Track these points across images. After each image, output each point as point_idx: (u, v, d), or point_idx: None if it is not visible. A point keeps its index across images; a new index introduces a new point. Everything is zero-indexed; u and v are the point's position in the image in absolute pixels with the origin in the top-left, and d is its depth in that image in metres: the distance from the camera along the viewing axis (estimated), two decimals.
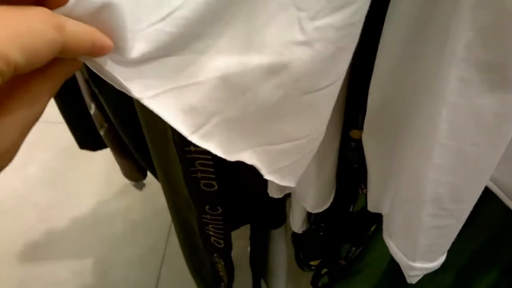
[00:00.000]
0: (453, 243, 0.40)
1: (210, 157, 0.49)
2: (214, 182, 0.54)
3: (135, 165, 0.83)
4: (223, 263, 0.72)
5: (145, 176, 0.88)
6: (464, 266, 0.56)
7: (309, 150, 0.33)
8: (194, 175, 0.52)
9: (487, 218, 0.48)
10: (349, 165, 0.46)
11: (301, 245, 0.63)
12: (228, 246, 0.67)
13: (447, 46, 0.28)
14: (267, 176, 0.31)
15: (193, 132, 0.26)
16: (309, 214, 0.59)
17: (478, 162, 0.30)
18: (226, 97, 0.26)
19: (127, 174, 0.87)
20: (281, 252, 0.77)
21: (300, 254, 0.64)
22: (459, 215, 0.33)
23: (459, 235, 0.42)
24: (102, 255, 1.21)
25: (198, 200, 0.57)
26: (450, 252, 0.42)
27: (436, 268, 0.38)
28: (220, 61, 0.24)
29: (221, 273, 0.74)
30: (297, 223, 0.59)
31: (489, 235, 0.50)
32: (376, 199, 0.44)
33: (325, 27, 0.24)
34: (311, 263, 0.64)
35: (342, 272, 0.61)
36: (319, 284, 0.66)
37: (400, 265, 0.38)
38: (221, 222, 0.63)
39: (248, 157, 0.29)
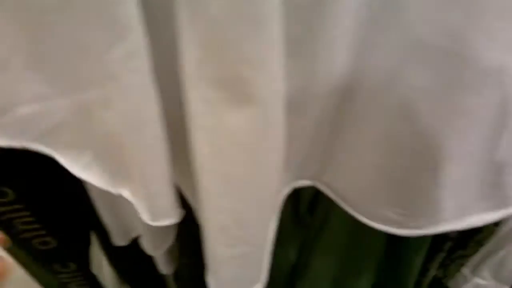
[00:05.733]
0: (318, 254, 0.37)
1: (28, 213, 0.44)
2: (49, 239, 0.48)
3: None
4: None
5: None
6: (337, 277, 0.54)
7: None
8: (21, 236, 0.46)
9: (336, 229, 0.47)
10: None
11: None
12: None
13: (184, 66, 0.26)
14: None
15: None
16: None
17: (247, 183, 0.28)
18: None
19: None
20: None
21: None
22: (252, 241, 0.31)
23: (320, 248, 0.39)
24: None
25: (41, 260, 0.51)
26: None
27: None
28: None
29: None
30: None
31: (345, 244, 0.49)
32: None
33: None
34: None
35: None
36: None
37: None
38: (81, 279, 0.57)
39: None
